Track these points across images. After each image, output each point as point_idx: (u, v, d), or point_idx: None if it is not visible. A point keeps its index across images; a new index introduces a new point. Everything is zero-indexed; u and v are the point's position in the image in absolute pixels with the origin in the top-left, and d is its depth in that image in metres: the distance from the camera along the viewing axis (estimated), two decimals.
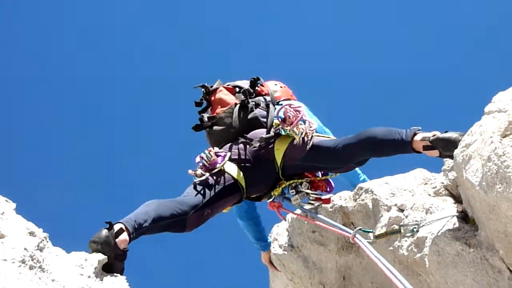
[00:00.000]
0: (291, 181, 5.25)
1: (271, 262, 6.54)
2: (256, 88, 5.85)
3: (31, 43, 28.02)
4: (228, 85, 5.88)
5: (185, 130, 5.79)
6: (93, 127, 28.42)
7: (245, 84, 5.87)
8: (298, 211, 5.59)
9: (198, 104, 5.88)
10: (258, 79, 5.87)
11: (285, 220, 6.11)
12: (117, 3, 29.21)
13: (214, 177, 5.01)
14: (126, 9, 27.66)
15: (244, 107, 5.54)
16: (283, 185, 5.27)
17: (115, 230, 4.08)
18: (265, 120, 5.46)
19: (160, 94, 28.18)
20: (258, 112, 5.53)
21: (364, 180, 5.96)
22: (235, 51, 27.86)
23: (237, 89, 5.79)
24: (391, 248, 4.67)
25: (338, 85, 27.72)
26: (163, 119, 28.07)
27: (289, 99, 6.06)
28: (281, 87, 6.26)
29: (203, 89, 5.85)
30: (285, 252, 6.12)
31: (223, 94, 5.76)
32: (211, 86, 5.86)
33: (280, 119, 5.27)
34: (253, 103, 5.59)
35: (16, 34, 27.20)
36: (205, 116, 5.66)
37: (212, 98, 5.79)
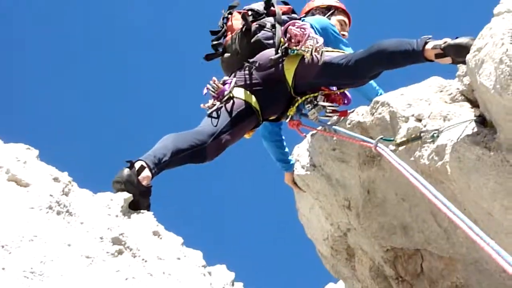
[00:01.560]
0: (306, 96, 5.25)
1: (295, 183, 6.59)
2: (271, 8, 5.78)
3: None
4: (244, 9, 5.83)
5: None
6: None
7: (260, 6, 5.81)
8: (318, 127, 5.61)
9: (213, 32, 5.84)
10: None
11: (305, 137, 6.12)
12: None
13: (226, 104, 5.02)
14: None
15: (247, 31, 5.50)
16: (298, 102, 5.27)
17: (137, 168, 4.12)
18: (269, 42, 5.43)
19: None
20: (262, 34, 5.49)
21: (380, 93, 5.95)
22: None
23: (250, 13, 5.73)
24: (412, 158, 4.68)
25: None
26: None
27: (332, 7, 6.07)
28: None
29: (223, 15, 5.83)
30: (308, 172, 6.15)
31: (234, 20, 5.72)
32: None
33: (286, 38, 5.23)
34: (257, 25, 5.54)
35: None
36: (216, 43, 5.65)
37: (228, 23, 5.77)
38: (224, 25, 5.80)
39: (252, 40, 5.45)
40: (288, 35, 5.20)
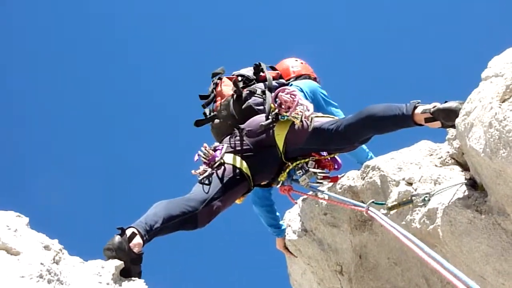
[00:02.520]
0: (297, 162, 5.26)
1: (286, 248, 6.56)
2: (261, 74, 5.85)
3: None
4: (232, 75, 5.88)
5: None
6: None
7: (250, 71, 5.86)
8: (309, 192, 5.61)
9: (203, 97, 5.87)
10: (260, 65, 5.86)
11: (296, 203, 6.12)
12: None
13: (217, 171, 5.02)
14: None
15: (238, 97, 5.55)
16: (289, 168, 5.28)
17: (128, 235, 4.09)
18: (260, 107, 5.47)
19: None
20: (252, 100, 5.54)
21: (371, 157, 5.97)
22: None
23: (240, 78, 5.78)
24: (403, 222, 4.68)
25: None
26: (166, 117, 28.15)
27: (309, 76, 6.13)
28: (301, 63, 6.33)
29: (213, 81, 5.88)
30: (300, 237, 6.14)
31: (223, 86, 5.76)
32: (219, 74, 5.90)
33: (276, 104, 5.27)
34: (247, 91, 5.59)
35: None
36: (206, 110, 5.68)
37: (218, 89, 5.80)
38: (214, 90, 5.84)
39: (243, 107, 5.49)
40: (278, 101, 5.24)
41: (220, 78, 5.91)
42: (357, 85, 25.04)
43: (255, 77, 5.76)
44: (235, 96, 5.57)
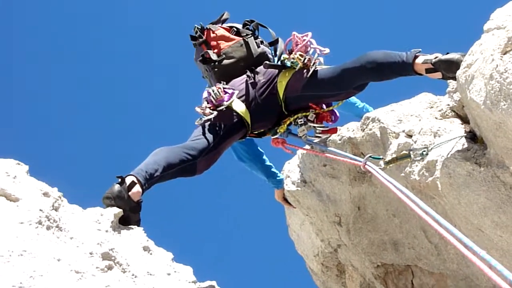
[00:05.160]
0: (297, 115, 5.23)
1: (285, 199, 6.57)
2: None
3: None
4: (222, 26, 5.81)
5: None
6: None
7: (239, 26, 5.81)
8: (306, 146, 5.60)
9: (194, 38, 5.79)
10: (253, 21, 5.79)
11: (292, 153, 6.08)
12: None
13: (221, 116, 4.99)
14: None
15: (248, 43, 5.52)
16: (290, 120, 5.26)
17: (127, 183, 4.10)
18: (270, 57, 5.45)
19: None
20: (265, 48, 5.53)
21: (365, 108, 5.96)
22: None
23: (235, 29, 5.72)
24: (402, 174, 4.69)
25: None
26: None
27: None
28: None
29: (196, 28, 5.77)
30: (299, 188, 6.15)
31: (222, 31, 5.70)
32: (219, 19, 5.80)
33: (288, 51, 5.24)
34: (260, 39, 5.58)
35: None
36: (210, 52, 5.57)
37: (209, 35, 5.70)
38: (203, 34, 5.72)
39: (259, 51, 5.46)
40: (292, 47, 5.19)
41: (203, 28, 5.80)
42: (354, 41, 24.85)
43: (253, 29, 5.70)
44: (252, 38, 5.53)
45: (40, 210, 3.07)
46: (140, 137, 26.39)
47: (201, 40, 5.65)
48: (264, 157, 6.24)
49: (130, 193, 4.07)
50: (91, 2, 29.62)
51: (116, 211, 3.82)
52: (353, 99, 5.95)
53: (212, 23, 5.75)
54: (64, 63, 29.12)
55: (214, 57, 5.49)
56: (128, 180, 4.15)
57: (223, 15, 5.81)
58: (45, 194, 3.29)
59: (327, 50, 5.13)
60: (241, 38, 5.55)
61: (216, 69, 5.51)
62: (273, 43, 5.55)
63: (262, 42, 5.59)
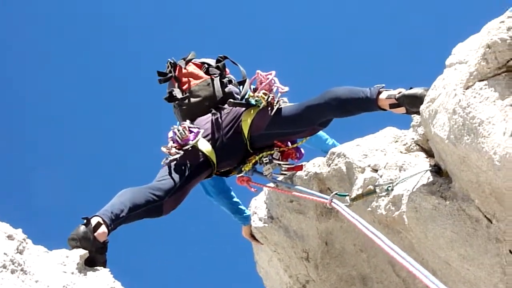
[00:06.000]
0: (262, 154, 5.23)
1: (252, 236, 6.55)
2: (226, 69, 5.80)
3: None
4: (194, 62, 5.80)
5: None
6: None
7: (212, 62, 5.80)
8: (270, 183, 5.60)
9: (161, 74, 5.75)
10: (226, 57, 5.80)
11: (255, 191, 6.07)
12: None
13: (187, 156, 4.96)
14: None
15: (218, 81, 5.52)
16: (255, 159, 5.25)
17: (93, 224, 4.06)
18: (238, 96, 5.44)
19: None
20: (232, 88, 5.52)
21: (334, 144, 5.97)
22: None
23: (206, 66, 5.71)
24: (369, 209, 4.71)
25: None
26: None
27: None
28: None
29: (168, 63, 5.75)
30: (266, 224, 6.14)
31: (193, 68, 5.69)
32: (185, 58, 5.78)
33: (252, 89, 5.25)
34: (227, 79, 5.58)
35: None
36: (176, 90, 5.55)
37: (180, 72, 5.68)
38: (173, 71, 5.70)
39: (226, 90, 5.45)
40: (255, 85, 5.19)
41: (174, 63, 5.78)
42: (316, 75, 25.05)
43: (220, 69, 5.69)
44: (218, 78, 5.52)
45: (4, 253, 3.03)
46: (106, 176, 26.22)
47: (170, 75, 5.64)
48: (232, 193, 6.23)
49: (95, 234, 4.02)
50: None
51: (82, 252, 3.78)
52: (323, 135, 5.98)
53: (184, 59, 5.75)
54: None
55: (179, 95, 5.47)
56: (94, 221, 4.10)
57: (189, 55, 5.80)
58: (9, 237, 3.24)
59: (286, 89, 5.15)
60: (209, 77, 5.55)
61: (182, 107, 5.49)
62: (242, 83, 5.55)
63: (230, 82, 5.58)
